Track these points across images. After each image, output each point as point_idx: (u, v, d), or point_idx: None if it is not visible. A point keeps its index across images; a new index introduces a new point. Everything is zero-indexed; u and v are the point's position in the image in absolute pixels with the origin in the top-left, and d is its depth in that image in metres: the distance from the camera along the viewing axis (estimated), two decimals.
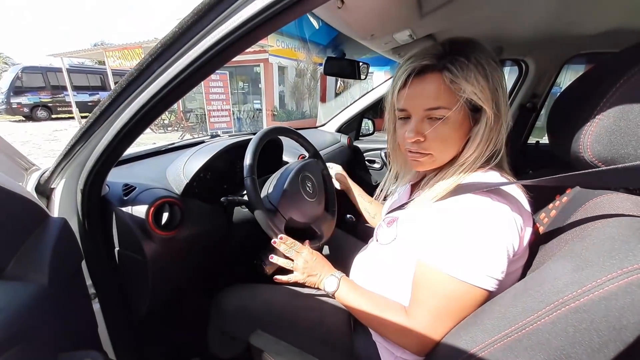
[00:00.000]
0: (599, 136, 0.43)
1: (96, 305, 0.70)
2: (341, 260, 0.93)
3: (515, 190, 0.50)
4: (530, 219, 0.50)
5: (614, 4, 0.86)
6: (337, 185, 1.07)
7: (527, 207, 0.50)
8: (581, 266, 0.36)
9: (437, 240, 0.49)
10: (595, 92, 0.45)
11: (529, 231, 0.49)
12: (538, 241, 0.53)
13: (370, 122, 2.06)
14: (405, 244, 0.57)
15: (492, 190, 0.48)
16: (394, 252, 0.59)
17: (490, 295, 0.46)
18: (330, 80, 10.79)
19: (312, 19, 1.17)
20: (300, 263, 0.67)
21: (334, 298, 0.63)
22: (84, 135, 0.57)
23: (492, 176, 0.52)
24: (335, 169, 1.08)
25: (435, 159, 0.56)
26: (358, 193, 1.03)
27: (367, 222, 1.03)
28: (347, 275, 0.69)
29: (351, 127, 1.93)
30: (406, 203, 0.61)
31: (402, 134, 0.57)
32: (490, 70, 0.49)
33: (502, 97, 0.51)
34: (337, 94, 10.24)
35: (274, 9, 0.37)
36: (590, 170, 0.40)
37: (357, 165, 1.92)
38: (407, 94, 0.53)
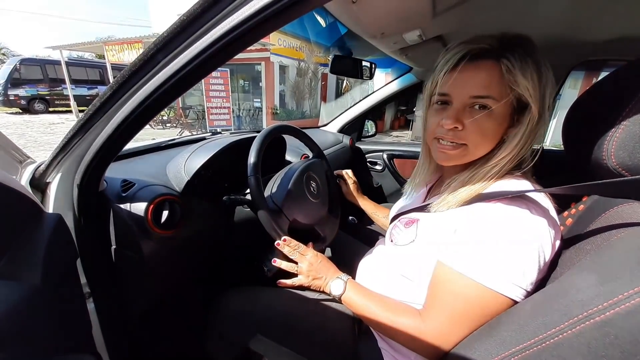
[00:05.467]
0: (624, 142, 0.41)
1: (90, 305, 0.68)
2: (344, 263, 0.91)
3: (546, 200, 0.48)
4: (559, 231, 0.48)
5: (623, 12, 0.85)
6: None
7: (557, 218, 0.48)
8: (607, 278, 0.35)
9: (466, 246, 0.47)
10: (618, 98, 0.44)
11: (557, 243, 0.47)
12: (556, 251, 0.51)
13: (372, 123, 2.05)
14: (426, 246, 0.55)
15: (526, 198, 0.46)
16: (411, 254, 0.57)
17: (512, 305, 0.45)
18: (332, 80, 10.80)
19: (318, 17, 1.16)
20: (304, 266, 0.65)
21: (341, 302, 0.61)
22: (82, 128, 0.54)
23: (524, 184, 0.50)
24: (349, 183, 1.09)
25: (468, 153, 0.52)
26: (372, 210, 1.03)
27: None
28: (352, 277, 0.66)
29: (353, 128, 1.92)
30: (427, 205, 0.59)
31: (436, 121, 0.54)
32: (544, 72, 0.47)
33: (548, 102, 0.49)
34: (341, 94, 10.24)
35: None
36: (628, 178, 0.38)
37: (358, 166, 1.90)
38: (455, 78, 0.50)
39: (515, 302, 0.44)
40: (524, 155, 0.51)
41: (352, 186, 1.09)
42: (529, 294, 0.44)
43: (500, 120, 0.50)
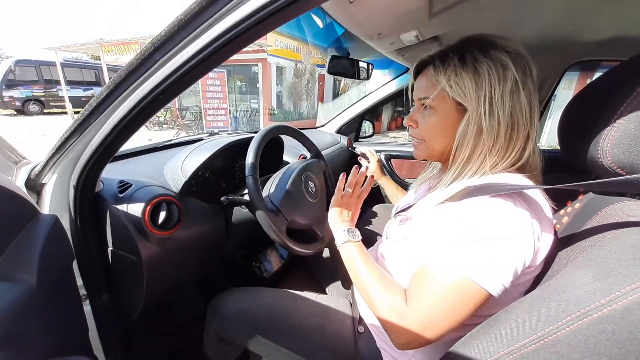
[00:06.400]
0: (619, 141, 0.41)
1: (87, 307, 0.67)
2: (342, 263, 0.91)
3: (538, 196, 0.48)
4: (551, 227, 0.49)
5: (617, 13, 0.86)
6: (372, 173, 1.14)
7: (549, 214, 0.48)
8: (603, 275, 0.35)
9: (449, 238, 0.47)
10: (613, 97, 0.44)
11: (549, 239, 0.47)
12: (552, 249, 0.51)
13: (369, 124, 2.06)
14: (416, 243, 0.55)
15: (516, 194, 0.46)
16: (403, 251, 0.57)
17: (493, 301, 0.45)
18: (329, 81, 10.81)
19: (316, 18, 1.16)
20: (350, 200, 0.72)
21: (338, 249, 0.63)
22: (79, 128, 0.54)
23: (516, 179, 0.50)
24: (372, 161, 1.17)
25: (429, 147, 0.60)
26: (393, 192, 1.07)
27: None
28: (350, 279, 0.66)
29: (351, 129, 1.92)
30: (420, 202, 0.61)
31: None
32: (482, 68, 0.49)
33: (503, 98, 0.49)
34: (339, 95, 10.26)
35: None
36: (623, 177, 0.39)
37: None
38: (413, 86, 0.62)
39: (492, 298, 0.44)
40: (510, 154, 0.51)
41: (375, 164, 1.16)
42: (508, 290, 0.44)
43: (442, 117, 0.56)
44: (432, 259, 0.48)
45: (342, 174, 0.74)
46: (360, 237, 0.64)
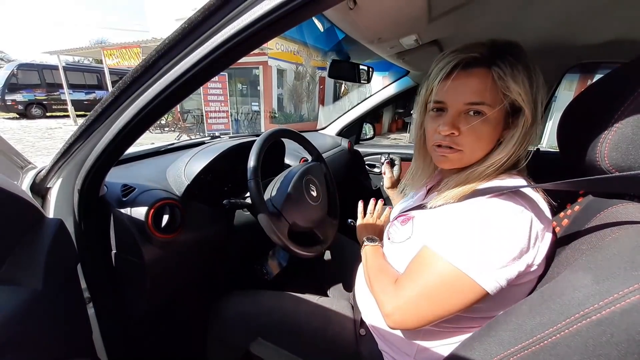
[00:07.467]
0: (617, 144, 0.42)
1: (91, 310, 0.68)
2: (343, 265, 0.92)
3: (540, 198, 0.49)
4: (550, 227, 0.49)
5: (615, 15, 0.87)
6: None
7: (549, 214, 0.49)
8: (602, 277, 0.35)
9: (449, 232, 0.48)
10: (611, 100, 0.45)
11: (548, 239, 0.48)
12: (552, 250, 0.52)
13: (370, 126, 2.06)
14: (419, 243, 0.55)
15: (518, 195, 0.47)
16: (408, 250, 0.57)
17: (494, 301, 0.45)
18: (329, 84, 10.85)
19: (316, 22, 1.17)
20: (371, 220, 0.85)
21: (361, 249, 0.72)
22: (84, 134, 0.55)
23: (519, 182, 0.51)
24: (396, 171, 1.14)
25: (464, 157, 0.54)
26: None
27: None
28: (352, 280, 0.68)
29: (352, 131, 1.93)
30: (424, 203, 0.60)
31: (433, 128, 0.55)
32: (534, 76, 0.49)
33: (540, 105, 0.50)
34: (339, 97, 10.29)
35: (286, 7, 0.36)
36: (616, 174, 0.39)
37: (357, 169, 1.91)
38: (449, 85, 0.51)
39: (487, 295, 0.44)
40: (519, 155, 0.52)
41: (398, 174, 1.11)
42: (504, 290, 0.44)
43: (494, 125, 0.51)
44: (431, 249, 0.49)
45: (360, 202, 0.92)
46: (378, 243, 0.72)
